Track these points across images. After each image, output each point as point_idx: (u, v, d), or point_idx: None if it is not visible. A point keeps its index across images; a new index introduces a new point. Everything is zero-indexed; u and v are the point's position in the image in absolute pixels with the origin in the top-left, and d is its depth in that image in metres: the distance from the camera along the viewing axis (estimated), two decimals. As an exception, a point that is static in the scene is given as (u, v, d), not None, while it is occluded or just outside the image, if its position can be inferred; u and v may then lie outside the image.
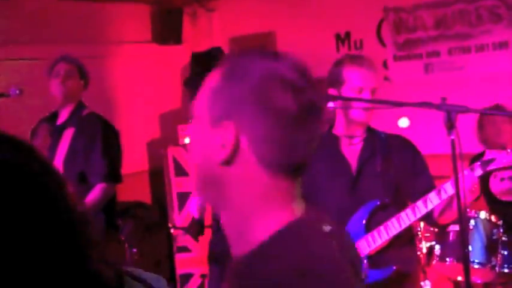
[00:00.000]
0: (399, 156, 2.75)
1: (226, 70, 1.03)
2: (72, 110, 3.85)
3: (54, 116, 3.93)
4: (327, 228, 1.08)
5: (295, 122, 1.00)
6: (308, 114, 1.02)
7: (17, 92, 3.74)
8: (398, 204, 2.68)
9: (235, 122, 1.00)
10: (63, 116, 3.87)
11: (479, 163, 2.53)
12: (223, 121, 1.00)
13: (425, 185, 2.71)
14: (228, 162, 1.01)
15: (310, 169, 2.83)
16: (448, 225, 3.56)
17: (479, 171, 2.51)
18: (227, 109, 1.00)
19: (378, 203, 2.66)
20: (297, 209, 1.07)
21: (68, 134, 3.78)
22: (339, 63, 2.76)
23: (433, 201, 2.53)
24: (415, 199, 2.64)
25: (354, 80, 2.68)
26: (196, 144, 1.07)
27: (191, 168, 1.14)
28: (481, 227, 3.64)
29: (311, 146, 1.06)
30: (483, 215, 3.63)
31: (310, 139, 1.05)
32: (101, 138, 3.75)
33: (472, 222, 3.62)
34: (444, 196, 2.51)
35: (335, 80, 2.72)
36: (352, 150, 2.77)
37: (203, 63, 5.80)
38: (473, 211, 3.64)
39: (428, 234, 3.67)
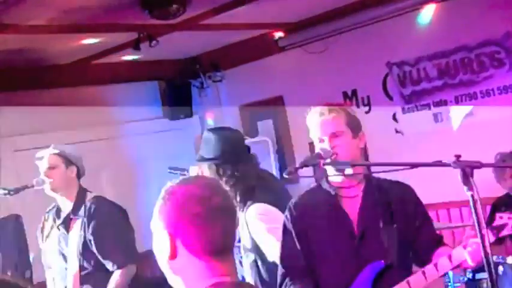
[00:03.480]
0: (400, 207, 2.62)
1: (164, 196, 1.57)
2: (75, 198, 3.76)
3: (59, 206, 3.83)
4: None
5: (206, 221, 1.48)
6: (216, 214, 1.49)
7: (40, 181, 3.78)
8: (403, 262, 2.56)
9: (171, 229, 1.50)
10: (68, 206, 3.77)
11: (489, 229, 2.35)
12: (165, 230, 1.50)
13: (428, 236, 2.62)
14: (172, 257, 1.49)
15: (312, 227, 2.69)
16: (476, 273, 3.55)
17: (491, 238, 2.35)
18: (166, 222, 1.52)
19: (383, 264, 2.53)
20: (226, 277, 1.49)
21: (77, 224, 3.70)
22: None
23: (444, 267, 2.43)
24: (419, 252, 2.58)
25: (312, 130, 2.64)
26: (155, 247, 1.55)
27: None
28: (509, 271, 3.64)
29: (227, 234, 1.52)
30: (510, 260, 3.64)
31: (225, 229, 1.51)
32: (110, 223, 3.68)
33: (501, 268, 3.63)
34: (456, 263, 2.41)
35: None
36: (352, 204, 2.63)
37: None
38: (500, 257, 3.65)
39: (458, 284, 3.66)
